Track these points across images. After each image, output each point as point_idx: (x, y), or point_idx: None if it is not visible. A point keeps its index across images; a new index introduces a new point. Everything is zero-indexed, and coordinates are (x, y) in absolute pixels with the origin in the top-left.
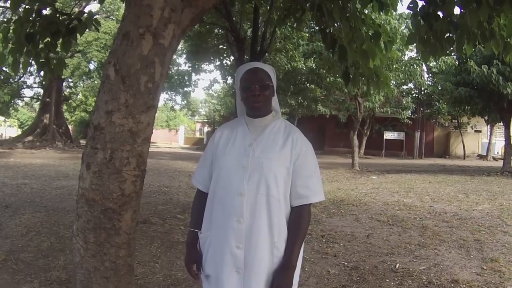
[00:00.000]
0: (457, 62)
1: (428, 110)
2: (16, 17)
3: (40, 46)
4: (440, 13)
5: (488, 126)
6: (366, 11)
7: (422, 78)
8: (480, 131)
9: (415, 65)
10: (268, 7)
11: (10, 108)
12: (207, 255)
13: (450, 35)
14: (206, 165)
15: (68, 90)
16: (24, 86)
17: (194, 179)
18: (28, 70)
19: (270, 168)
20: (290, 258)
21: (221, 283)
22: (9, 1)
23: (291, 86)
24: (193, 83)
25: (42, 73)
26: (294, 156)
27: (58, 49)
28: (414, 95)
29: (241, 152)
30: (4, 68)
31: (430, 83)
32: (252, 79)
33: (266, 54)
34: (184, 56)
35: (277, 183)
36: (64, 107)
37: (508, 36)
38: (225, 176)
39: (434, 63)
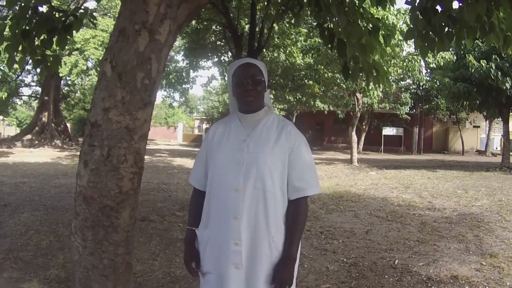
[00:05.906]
0: (455, 58)
1: (427, 106)
2: (12, 14)
3: (36, 43)
4: (438, 8)
5: (487, 122)
6: (364, 6)
7: (421, 73)
8: (478, 127)
9: (413, 61)
10: (266, 3)
11: (9, 107)
12: (205, 252)
13: (449, 29)
14: (201, 163)
15: (66, 88)
16: (22, 85)
17: (190, 177)
18: (26, 69)
19: (265, 162)
20: (290, 251)
21: (223, 280)
22: None
23: (289, 82)
24: (191, 80)
25: (38, 70)
26: (288, 149)
27: (55, 46)
28: (412, 90)
29: (235, 148)
30: (1, 67)
31: (428, 78)
32: (244, 75)
33: (264, 50)
34: (182, 53)
35: (273, 177)
36: (63, 105)
37: (508, 29)
38: (220, 173)
39: (433, 59)
